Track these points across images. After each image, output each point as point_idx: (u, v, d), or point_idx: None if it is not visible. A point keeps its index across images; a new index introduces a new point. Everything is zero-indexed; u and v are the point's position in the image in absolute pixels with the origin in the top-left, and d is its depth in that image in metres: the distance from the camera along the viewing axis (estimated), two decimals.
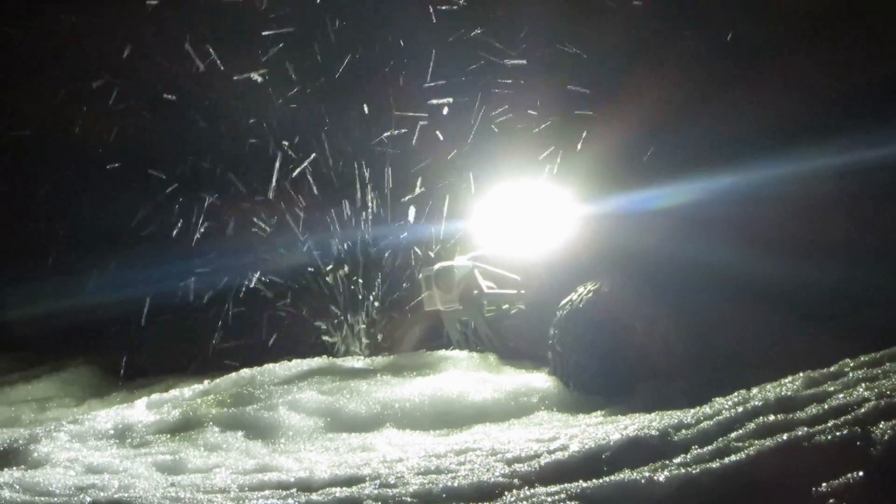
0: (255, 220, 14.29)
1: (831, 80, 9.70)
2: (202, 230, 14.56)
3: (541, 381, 10.05)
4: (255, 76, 13.78)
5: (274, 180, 13.97)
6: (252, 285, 14.25)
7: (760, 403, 6.44)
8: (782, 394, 6.59)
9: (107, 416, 9.53)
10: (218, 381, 10.96)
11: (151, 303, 14.39)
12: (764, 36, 10.30)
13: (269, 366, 11.21)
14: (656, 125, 10.44)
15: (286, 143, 13.97)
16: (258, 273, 14.21)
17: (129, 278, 14.60)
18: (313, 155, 13.89)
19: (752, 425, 6.00)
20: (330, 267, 13.80)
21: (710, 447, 5.84)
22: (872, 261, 8.74)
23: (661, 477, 5.45)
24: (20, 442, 8.50)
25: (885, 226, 8.95)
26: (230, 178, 14.37)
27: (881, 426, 5.24)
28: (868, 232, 8.99)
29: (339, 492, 6.26)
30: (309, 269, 13.90)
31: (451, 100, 13.17)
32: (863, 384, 6.32)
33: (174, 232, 14.53)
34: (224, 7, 14.14)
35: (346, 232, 13.77)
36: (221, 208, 14.55)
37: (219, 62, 14.10)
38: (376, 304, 13.57)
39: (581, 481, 5.72)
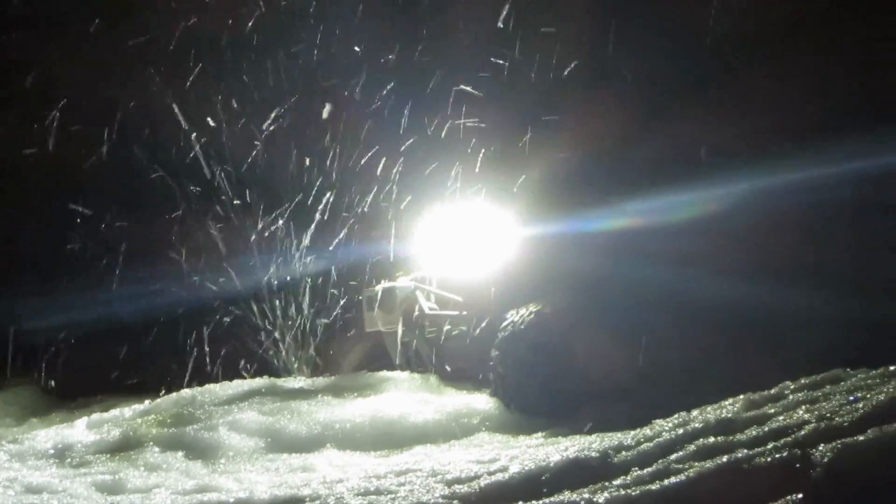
0: (195, 243, 14.22)
1: (775, 105, 9.74)
2: (138, 254, 14.49)
3: (482, 402, 10.06)
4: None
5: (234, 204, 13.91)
6: (193, 307, 14.15)
7: (701, 425, 6.44)
8: (723, 416, 6.59)
9: (46, 435, 9.46)
10: (158, 400, 10.92)
11: (91, 326, 14.28)
12: (708, 62, 10.32)
13: (211, 386, 11.18)
14: (599, 149, 10.45)
15: (229, 168, 13.91)
16: (200, 295, 14.11)
17: (67, 303, 14.49)
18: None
19: (692, 447, 6.00)
20: (271, 288, 13.73)
21: (650, 469, 5.83)
22: (812, 284, 8.78)
23: (601, 499, 5.44)
24: None
25: (826, 249, 8.99)
26: (176, 202, 14.29)
27: (821, 448, 5.24)
28: (809, 255, 9.03)
29: None
30: (251, 290, 13.82)
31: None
32: (802, 406, 6.33)
33: (113, 258, 14.45)
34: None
35: (286, 253, 13.72)
36: (166, 232, 14.47)
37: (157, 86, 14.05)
38: (318, 324, 13.51)
39: (521, 503, 5.70)
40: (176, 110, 13.80)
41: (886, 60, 9.50)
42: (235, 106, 13.97)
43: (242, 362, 13.61)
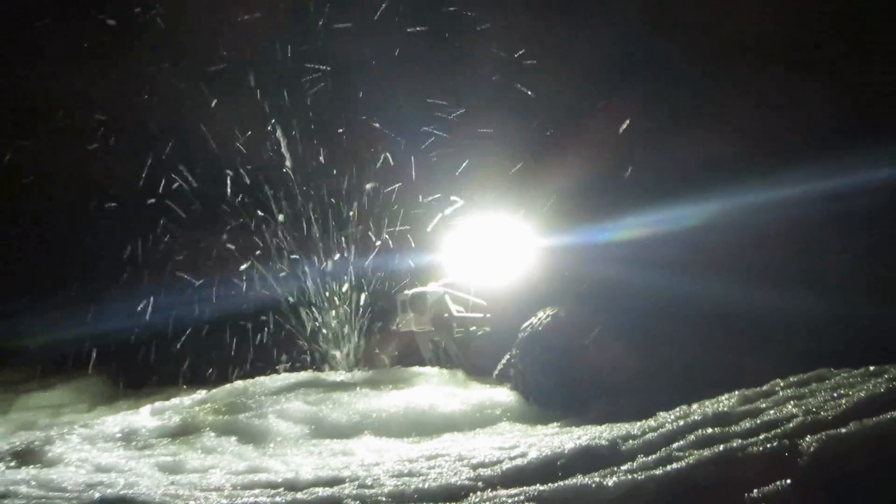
0: (248, 253, 14.25)
1: (773, 119, 9.70)
2: (203, 260, 14.55)
3: (503, 395, 10.03)
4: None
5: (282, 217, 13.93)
6: (247, 310, 14.19)
7: (700, 418, 6.42)
8: (719, 409, 6.57)
9: (114, 421, 9.48)
10: (214, 391, 10.93)
11: (156, 327, 14.35)
12: (709, 78, 10.26)
13: (261, 378, 11.18)
14: (608, 165, 10.43)
15: (290, 183, 13.92)
16: (252, 300, 14.15)
17: (134, 306, 14.57)
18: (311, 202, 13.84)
19: (692, 437, 5.99)
20: (317, 294, 13.75)
21: (654, 456, 5.82)
22: (801, 289, 8.74)
23: (610, 482, 5.43)
24: (36, 443, 8.44)
25: (815, 257, 8.95)
26: (221, 215, 14.33)
27: (808, 439, 5.23)
28: (799, 262, 8.99)
29: (321, 491, 6.22)
30: (299, 296, 13.84)
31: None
32: (792, 402, 6.32)
33: (175, 267, 14.51)
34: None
35: (331, 262, 13.74)
36: (216, 241, 14.50)
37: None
38: (357, 325, 13.52)
39: (538, 485, 5.70)
40: (237, 134, 13.82)
41: (865, 81, 9.45)
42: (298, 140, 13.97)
43: (290, 358, 13.65)
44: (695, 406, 6.95)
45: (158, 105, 14.50)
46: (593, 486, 5.45)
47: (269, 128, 13.90)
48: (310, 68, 13.98)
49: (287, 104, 13.86)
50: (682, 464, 5.46)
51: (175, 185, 14.28)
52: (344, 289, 13.66)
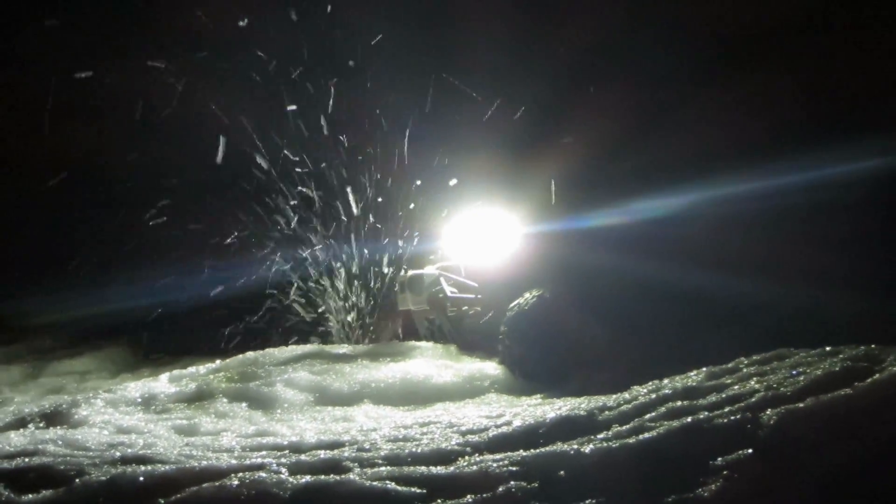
0: (259, 234, 14.23)
1: (755, 110, 9.61)
2: (222, 243, 14.54)
3: (491, 368, 10.03)
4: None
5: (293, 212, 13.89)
6: (258, 286, 14.18)
7: (670, 391, 6.41)
8: (688, 384, 6.56)
9: (135, 387, 9.47)
10: (227, 361, 10.90)
11: (174, 302, 14.36)
12: (695, 66, 10.14)
13: (270, 350, 11.15)
14: (591, 157, 10.37)
15: (298, 170, 13.86)
16: (264, 277, 14.14)
17: (157, 284, 14.59)
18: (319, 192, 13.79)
19: (662, 409, 5.98)
20: (323, 274, 13.74)
21: (627, 426, 5.81)
22: (765, 275, 8.72)
23: (587, 449, 5.43)
24: (64, 406, 8.44)
25: (778, 245, 8.93)
26: (231, 198, 14.30)
27: (768, 412, 5.23)
28: (764, 250, 8.97)
29: (323, 454, 6.20)
30: (306, 275, 13.83)
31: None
32: (754, 378, 6.30)
33: (189, 245, 14.50)
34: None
35: (336, 245, 13.71)
36: (227, 224, 14.49)
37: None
38: (360, 303, 13.52)
39: (521, 451, 5.69)
40: (246, 124, 13.76)
41: (835, 78, 9.36)
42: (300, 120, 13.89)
43: (297, 331, 13.65)
44: (666, 381, 6.93)
45: (168, 89, 14.43)
46: (572, 452, 5.44)
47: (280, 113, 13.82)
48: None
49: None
50: (653, 433, 5.46)
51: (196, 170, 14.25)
52: (349, 270, 13.66)
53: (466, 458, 5.81)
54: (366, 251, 13.66)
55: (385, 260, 13.53)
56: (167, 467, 5.84)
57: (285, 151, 13.69)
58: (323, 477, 5.47)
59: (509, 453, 5.70)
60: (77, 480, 5.64)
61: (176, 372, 10.37)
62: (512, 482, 5.14)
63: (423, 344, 11.50)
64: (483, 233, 11.43)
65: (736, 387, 6.15)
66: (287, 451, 6.51)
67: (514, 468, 5.37)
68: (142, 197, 14.88)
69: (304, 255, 13.95)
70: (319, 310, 13.72)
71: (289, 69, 13.76)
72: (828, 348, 6.71)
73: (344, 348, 11.67)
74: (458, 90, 12.39)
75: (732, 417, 5.38)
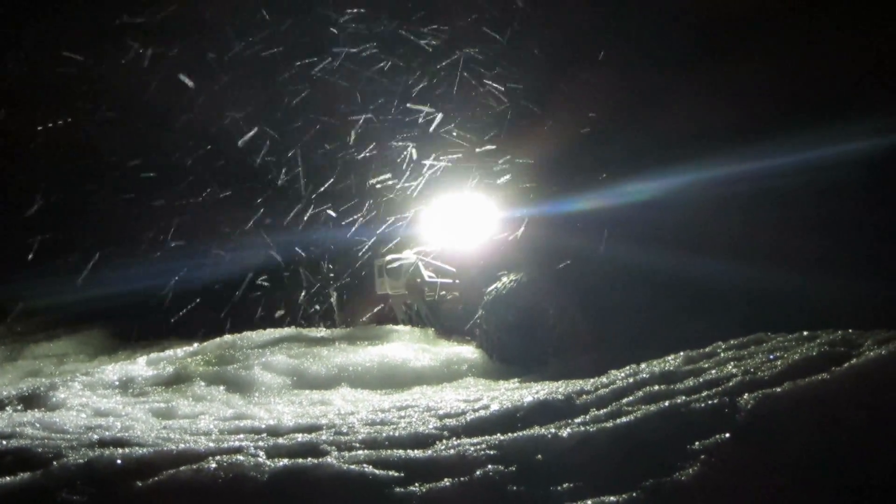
0: (238, 221, 14.17)
1: (734, 95, 9.54)
2: (200, 227, 14.48)
3: (469, 352, 10.03)
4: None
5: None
6: (236, 272, 14.13)
7: (647, 376, 6.40)
8: (665, 368, 6.55)
9: (113, 370, 9.44)
10: (205, 344, 10.88)
11: (152, 286, 14.29)
12: (680, 51, 10.05)
13: (248, 333, 11.14)
14: (570, 142, 10.33)
15: (272, 157, 13.79)
16: (242, 263, 14.09)
17: (135, 268, 14.53)
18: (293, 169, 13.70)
19: (640, 393, 5.97)
20: (301, 258, 13.70)
21: (605, 410, 5.80)
22: (742, 261, 8.72)
23: (565, 433, 5.41)
24: (41, 389, 8.42)
25: (755, 231, 8.93)
26: (209, 186, 14.22)
27: (745, 397, 5.22)
28: (740, 236, 8.96)
29: (301, 437, 6.17)
30: (285, 260, 13.78)
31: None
32: (731, 363, 6.31)
33: (177, 230, 14.43)
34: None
35: (314, 230, 13.66)
36: (213, 211, 14.42)
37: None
38: (338, 287, 13.49)
39: (499, 434, 5.67)
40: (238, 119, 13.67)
41: (815, 63, 9.31)
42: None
43: (275, 315, 13.60)
44: (643, 365, 6.92)
45: (163, 81, 14.34)
46: (549, 436, 5.42)
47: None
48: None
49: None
50: (631, 417, 5.44)
51: (176, 157, 14.16)
52: (327, 255, 13.62)
53: (444, 441, 5.78)
54: (342, 235, 13.60)
55: (363, 245, 13.48)
56: (145, 450, 5.79)
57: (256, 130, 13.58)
58: (300, 460, 5.43)
59: (487, 437, 5.68)
60: (55, 463, 5.58)
61: (154, 355, 10.35)
62: (489, 466, 5.12)
63: (400, 328, 11.50)
64: (461, 217, 11.41)
65: (714, 371, 6.15)
66: (265, 435, 6.49)
67: (491, 452, 5.34)
68: (121, 183, 14.79)
69: (279, 239, 13.88)
70: (299, 294, 13.67)
71: (268, 55, 13.68)
72: (805, 333, 6.73)
73: (321, 332, 11.66)
74: (441, 71, 12.30)
75: (710, 402, 5.37)
